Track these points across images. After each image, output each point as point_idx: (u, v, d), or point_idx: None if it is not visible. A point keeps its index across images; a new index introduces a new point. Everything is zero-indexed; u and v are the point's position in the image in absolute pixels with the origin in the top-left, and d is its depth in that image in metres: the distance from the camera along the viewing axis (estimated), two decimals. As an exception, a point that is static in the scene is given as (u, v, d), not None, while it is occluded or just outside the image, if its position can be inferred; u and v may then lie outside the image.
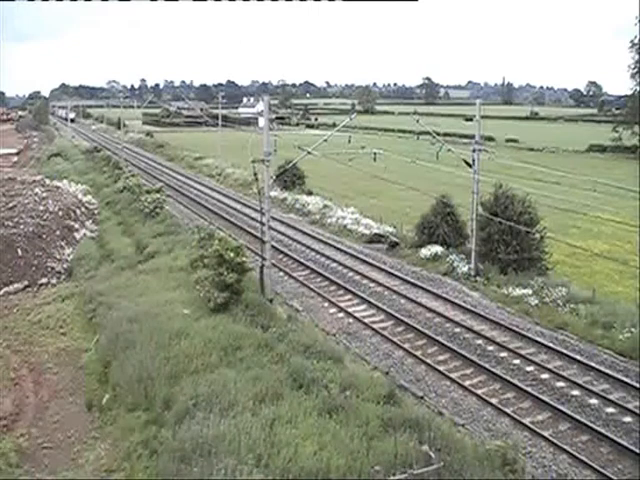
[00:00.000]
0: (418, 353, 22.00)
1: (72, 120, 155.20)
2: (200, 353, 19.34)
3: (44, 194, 43.81)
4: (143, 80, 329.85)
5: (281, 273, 31.35)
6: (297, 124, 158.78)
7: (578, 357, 21.48)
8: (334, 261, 33.67)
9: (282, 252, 35.15)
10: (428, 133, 35.29)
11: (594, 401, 18.69)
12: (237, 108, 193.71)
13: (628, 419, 17.70)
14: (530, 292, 26.79)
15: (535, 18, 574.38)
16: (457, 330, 24.07)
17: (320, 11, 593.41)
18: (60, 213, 39.96)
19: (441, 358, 21.81)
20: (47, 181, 51.30)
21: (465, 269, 30.30)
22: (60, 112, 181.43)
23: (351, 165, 34.62)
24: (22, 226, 35.76)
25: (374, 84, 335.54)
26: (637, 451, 15.90)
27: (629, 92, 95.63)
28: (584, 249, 33.07)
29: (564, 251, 33.31)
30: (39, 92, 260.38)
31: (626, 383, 19.64)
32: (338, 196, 51.33)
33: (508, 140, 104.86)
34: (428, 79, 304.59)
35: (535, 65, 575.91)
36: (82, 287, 29.83)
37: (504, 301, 27.00)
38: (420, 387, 19.66)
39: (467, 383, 19.79)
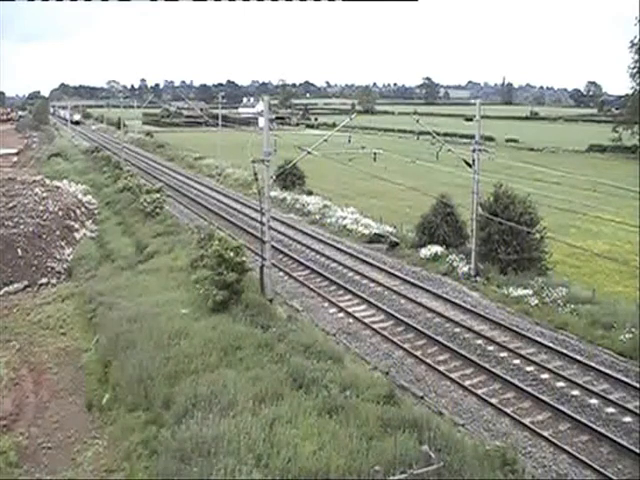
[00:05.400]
0: (418, 353, 22.00)
1: (77, 122, 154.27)
2: (200, 353, 19.33)
3: (44, 194, 43.84)
4: (143, 80, 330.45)
5: (281, 273, 31.34)
6: (297, 124, 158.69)
7: (578, 357, 21.47)
8: (334, 261, 33.66)
9: (282, 252, 35.14)
10: (428, 133, 35.33)
11: (594, 401, 18.68)
12: (237, 108, 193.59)
13: (628, 419, 17.69)
14: (530, 292, 26.77)
15: (535, 18, 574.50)
16: (457, 330, 24.07)
17: (320, 11, 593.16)
18: (60, 213, 39.97)
19: (441, 358, 21.80)
20: (47, 181, 51.35)
21: (465, 269, 30.29)
22: (62, 112, 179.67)
23: (351, 165, 34.63)
24: (22, 226, 35.77)
25: (374, 84, 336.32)
26: (637, 451, 15.90)
27: (629, 92, 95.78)
28: (584, 249, 33.08)
29: (564, 251, 33.30)
30: (39, 92, 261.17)
31: (626, 383, 19.63)
32: (338, 196, 51.35)
33: (508, 140, 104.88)
34: (428, 79, 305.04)
35: (535, 65, 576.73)
36: (82, 287, 29.83)
37: (504, 301, 26.99)
38: (420, 387, 19.65)
39: (467, 383, 19.78)
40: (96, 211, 46.22)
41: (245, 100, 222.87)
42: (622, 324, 22.98)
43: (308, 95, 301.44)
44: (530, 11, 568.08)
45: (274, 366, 18.51)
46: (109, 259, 34.21)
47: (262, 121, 30.12)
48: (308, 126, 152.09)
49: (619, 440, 16.49)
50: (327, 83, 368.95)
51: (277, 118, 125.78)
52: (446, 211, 33.62)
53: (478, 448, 14.95)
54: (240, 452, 13.73)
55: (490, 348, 22.45)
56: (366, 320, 25.09)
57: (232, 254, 23.85)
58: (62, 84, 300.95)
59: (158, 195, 43.46)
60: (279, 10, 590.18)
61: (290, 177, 51.69)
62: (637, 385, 19.36)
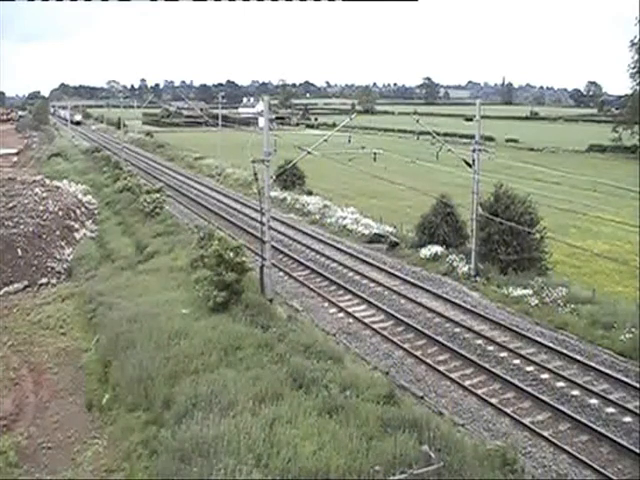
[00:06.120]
0: (418, 353, 22.00)
1: (77, 123, 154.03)
2: (200, 353, 19.33)
3: (44, 194, 43.84)
4: (143, 80, 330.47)
5: (281, 273, 31.34)
6: (297, 124, 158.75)
7: (578, 357, 21.47)
8: (334, 261, 33.66)
9: (282, 252, 35.14)
10: (428, 133, 35.34)
11: (594, 401, 18.68)
12: (237, 108, 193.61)
13: (628, 419, 17.69)
14: (530, 292, 26.77)
15: (535, 18, 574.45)
16: (457, 330, 24.06)
17: (320, 11, 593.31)
18: (60, 213, 39.98)
19: (441, 358, 21.80)
20: (47, 181, 51.37)
21: (465, 269, 30.28)
22: (62, 113, 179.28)
23: (351, 165, 34.62)
24: (22, 226, 35.77)
25: (374, 84, 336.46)
26: (637, 451, 15.90)
27: (629, 92, 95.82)
28: (584, 249, 33.08)
29: (564, 251, 33.32)
30: (39, 92, 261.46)
31: (626, 383, 19.63)
32: (338, 196, 51.35)
33: (508, 140, 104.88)
34: (428, 79, 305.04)
35: (535, 65, 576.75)
36: (82, 287, 29.83)
37: (504, 301, 26.98)
38: (420, 387, 19.65)
39: (467, 383, 19.79)
40: (96, 211, 46.22)
41: (245, 100, 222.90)
42: (622, 324, 22.97)
43: (308, 95, 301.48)
44: (530, 11, 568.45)
45: (274, 366, 18.51)
46: (109, 259, 34.21)
47: (262, 121, 30.15)
48: (308, 126, 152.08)
49: (619, 440, 16.49)
50: (327, 83, 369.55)
51: (277, 118, 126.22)
52: (446, 211, 33.60)
53: (478, 448, 14.96)
54: (240, 452, 13.73)
55: (490, 348, 22.44)
56: (366, 320, 25.08)
57: (232, 254, 23.85)
58: (62, 84, 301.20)
59: (158, 195, 43.47)
60: (279, 10, 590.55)
61: (290, 177, 51.69)
62: (637, 385, 19.35)
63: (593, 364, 20.91)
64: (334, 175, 59.34)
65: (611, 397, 18.78)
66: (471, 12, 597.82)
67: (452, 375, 20.31)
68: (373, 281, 30.10)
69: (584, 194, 47.87)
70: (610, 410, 18.17)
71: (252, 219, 42.45)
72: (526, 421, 17.53)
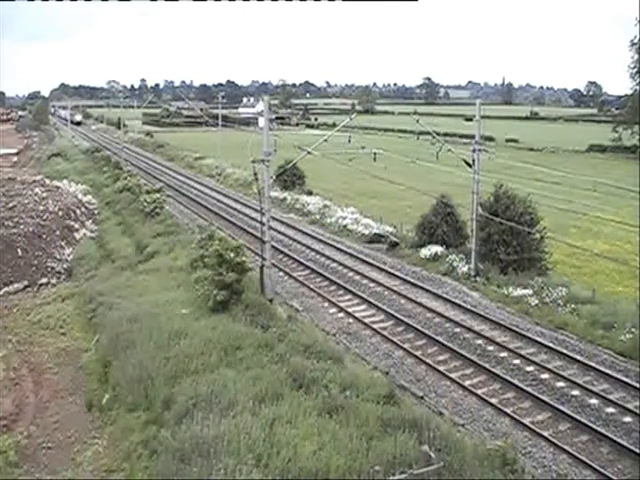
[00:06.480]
0: (418, 353, 22.00)
1: (78, 123, 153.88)
2: (200, 353, 19.33)
3: (44, 194, 43.85)
4: (143, 80, 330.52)
5: (281, 273, 31.34)
6: (297, 124, 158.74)
7: (578, 357, 21.47)
8: (334, 261, 33.66)
9: (282, 252, 35.14)
10: (428, 133, 35.35)
11: (594, 401, 18.67)
12: (237, 108, 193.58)
13: (628, 419, 17.69)
14: (530, 292, 26.77)
15: (535, 18, 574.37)
16: (457, 330, 24.06)
17: (320, 11, 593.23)
18: (60, 213, 39.98)
19: (441, 358, 21.80)
20: (47, 181, 51.37)
21: (465, 269, 30.28)
22: (62, 113, 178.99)
23: (351, 165, 34.66)
24: (22, 226, 35.78)
25: (374, 84, 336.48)
26: (637, 451, 15.90)
27: (629, 92, 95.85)
28: (584, 249, 33.09)
29: (564, 251, 33.32)
30: (39, 92, 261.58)
31: (626, 383, 19.63)
32: (338, 196, 51.34)
33: (508, 140, 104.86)
34: (428, 79, 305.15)
35: (535, 65, 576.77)
36: (82, 287, 29.85)
37: (504, 301, 26.98)
38: (420, 387, 19.65)
39: (467, 383, 19.79)
40: (96, 211, 46.21)
41: (245, 100, 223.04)
42: (622, 324, 22.97)
43: (308, 95, 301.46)
44: (530, 11, 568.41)
45: (274, 366, 18.51)
46: (109, 259, 34.21)
47: (262, 121, 30.13)
48: (308, 126, 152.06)
49: (619, 440, 16.49)
50: (327, 83, 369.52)
51: (277, 118, 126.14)
52: (446, 211, 33.61)
53: (478, 448, 14.95)
54: (240, 452, 13.72)
55: (490, 348, 22.45)
56: (366, 320, 25.08)
57: (232, 254, 23.86)
58: (62, 84, 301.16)
59: (158, 195, 43.48)
60: (279, 10, 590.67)
61: (290, 177, 51.67)
62: (637, 385, 19.35)
63: (593, 364, 20.91)
64: (334, 175, 59.34)
65: (611, 397, 18.78)
66: (471, 12, 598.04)
67: (452, 375, 20.31)
68: (373, 281, 30.10)
69: (584, 194, 47.85)
70: (610, 410, 18.17)
71: (252, 219, 42.45)
72: (526, 421, 17.53)
